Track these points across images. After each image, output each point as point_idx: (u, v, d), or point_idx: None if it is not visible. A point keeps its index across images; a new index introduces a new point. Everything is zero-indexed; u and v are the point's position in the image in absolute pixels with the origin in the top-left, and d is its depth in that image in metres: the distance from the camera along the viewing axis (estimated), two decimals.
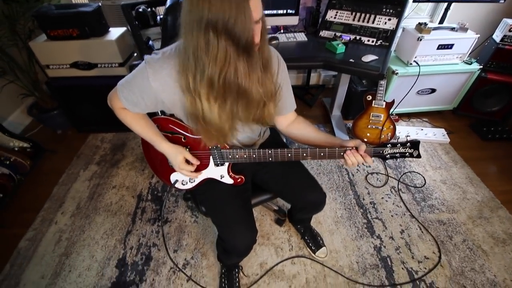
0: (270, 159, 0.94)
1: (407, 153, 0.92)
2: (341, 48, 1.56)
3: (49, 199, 1.65)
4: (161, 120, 0.94)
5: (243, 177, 1.00)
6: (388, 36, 1.61)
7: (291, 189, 1.04)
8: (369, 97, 1.87)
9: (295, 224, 1.44)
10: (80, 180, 1.76)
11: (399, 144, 0.91)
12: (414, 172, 1.79)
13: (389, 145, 0.91)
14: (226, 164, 0.98)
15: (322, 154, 0.90)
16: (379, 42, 1.61)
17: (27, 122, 2.17)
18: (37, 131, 2.11)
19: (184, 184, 1.03)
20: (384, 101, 1.85)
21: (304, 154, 0.93)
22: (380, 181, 1.74)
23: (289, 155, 0.93)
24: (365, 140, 1.96)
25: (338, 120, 2.14)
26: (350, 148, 0.88)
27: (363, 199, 1.63)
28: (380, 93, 1.82)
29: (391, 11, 1.64)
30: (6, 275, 1.32)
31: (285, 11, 1.76)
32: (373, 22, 1.65)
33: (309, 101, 2.35)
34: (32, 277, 1.31)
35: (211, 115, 0.73)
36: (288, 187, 1.05)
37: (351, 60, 1.48)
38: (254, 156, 0.94)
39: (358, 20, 1.68)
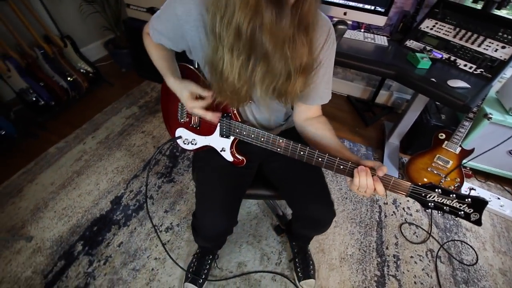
0: (279, 149, 0.78)
1: (462, 212, 0.66)
2: (425, 63, 1.26)
3: (88, 122, 1.79)
4: (182, 67, 0.87)
5: (244, 159, 0.87)
6: (494, 66, 1.24)
7: (295, 192, 0.87)
8: (442, 136, 1.52)
9: (291, 239, 1.24)
10: (119, 116, 1.87)
11: (454, 195, 0.65)
12: (466, 243, 1.39)
13: (439, 190, 0.67)
14: (232, 138, 0.86)
15: (333, 165, 0.72)
16: (478, 71, 1.26)
17: (102, 55, 2.40)
18: (107, 64, 2.32)
19: (185, 143, 0.95)
20: (460, 146, 1.48)
21: (320, 159, 0.75)
22: (417, 236, 1.40)
23: (301, 153, 0.76)
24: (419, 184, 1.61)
25: (393, 150, 1.81)
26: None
27: (387, 248, 1.33)
28: (459, 134, 1.45)
29: (509, 37, 1.26)
30: (29, 169, 1.46)
31: (373, 8, 1.52)
32: (479, 45, 1.30)
33: (368, 119, 2.05)
34: (44, 180, 1.43)
35: (231, 71, 0.61)
36: (292, 188, 0.87)
37: (432, 79, 1.19)
38: (262, 139, 0.80)
39: (461, 39, 1.34)
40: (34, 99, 1.60)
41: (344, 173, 0.73)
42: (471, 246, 1.37)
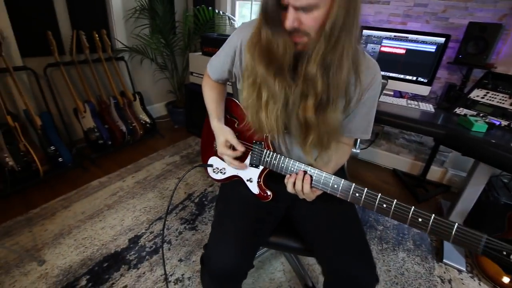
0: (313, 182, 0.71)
1: None
2: (480, 126, 1.15)
3: (134, 163, 1.92)
4: (228, 100, 0.93)
5: (271, 195, 0.80)
6: None
7: (328, 246, 0.72)
8: None
9: None
10: (161, 162, 1.98)
11: None
12: None
13: None
14: (261, 168, 0.81)
15: (373, 203, 0.63)
16: None
17: (162, 114, 2.77)
18: (164, 121, 2.64)
19: (215, 172, 0.93)
20: None
21: (357, 195, 0.65)
22: None
23: (335, 186, 0.68)
24: (505, 280, 1.24)
25: None
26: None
27: None
28: None
29: None
30: (67, 197, 1.54)
31: (415, 78, 1.55)
32: None
33: (420, 195, 1.81)
34: (78, 208, 1.47)
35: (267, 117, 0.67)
36: (325, 240, 0.73)
37: (493, 140, 1.06)
38: (293, 169, 0.74)
39: None
40: (96, 137, 1.82)
41: (387, 214, 0.62)
42: None
